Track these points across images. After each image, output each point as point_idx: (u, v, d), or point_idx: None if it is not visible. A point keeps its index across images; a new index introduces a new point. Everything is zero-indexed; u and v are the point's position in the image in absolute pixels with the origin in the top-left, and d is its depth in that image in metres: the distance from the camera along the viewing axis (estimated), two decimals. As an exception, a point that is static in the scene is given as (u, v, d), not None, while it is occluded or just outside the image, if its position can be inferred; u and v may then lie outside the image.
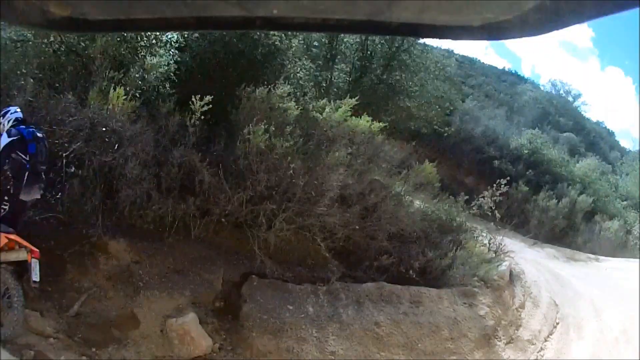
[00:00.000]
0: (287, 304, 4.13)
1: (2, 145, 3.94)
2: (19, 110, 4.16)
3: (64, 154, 4.06)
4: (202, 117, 4.09)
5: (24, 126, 4.09)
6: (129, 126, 4.05)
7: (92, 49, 4.77)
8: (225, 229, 4.15)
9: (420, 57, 8.13)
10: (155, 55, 4.89)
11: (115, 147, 3.99)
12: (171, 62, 4.70)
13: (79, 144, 4.06)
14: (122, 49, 4.82)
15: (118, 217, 3.96)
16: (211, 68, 4.74)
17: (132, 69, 4.62)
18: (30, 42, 5.14)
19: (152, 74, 4.63)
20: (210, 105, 4.07)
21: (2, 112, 4.23)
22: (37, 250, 3.60)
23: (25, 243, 3.62)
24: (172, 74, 5.02)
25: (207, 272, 4.17)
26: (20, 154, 4.01)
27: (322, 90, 6.09)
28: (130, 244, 4.05)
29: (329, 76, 6.76)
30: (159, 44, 4.66)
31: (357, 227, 4.46)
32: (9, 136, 3.96)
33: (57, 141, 4.19)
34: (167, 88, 4.90)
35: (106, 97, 4.30)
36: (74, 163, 4.08)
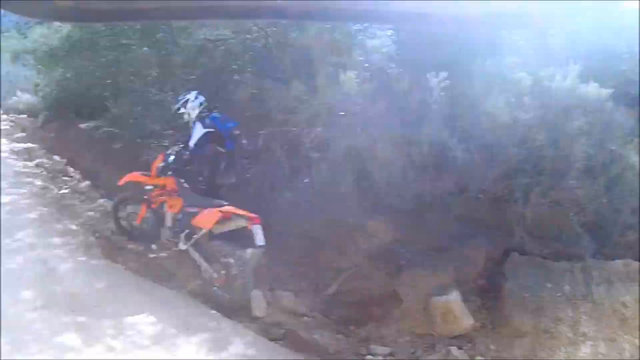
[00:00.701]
0: (546, 282, 4.43)
1: (198, 135, 4.89)
2: (199, 95, 5.11)
3: (306, 141, 4.86)
4: (442, 93, 4.61)
5: (216, 114, 5.05)
6: (369, 108, 4.70)
7: (305, 38, 5.51)
8: (482, 205, 4.53)
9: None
10: (375, 37, 5.53)
11: (359, 130, 4.66)
12: (389, 43, 5.30)
13: (319, 129, 4.82)
14: (335, 35, 5.51)
15: (374, 198, 4.59)
16: (433, 45, 5.24)
17: (353, 53, 5.29)
18: (232, 40, 6.06)
19: (375, 55, 5.30)
20: (448, 81, 4.57)
21: (182, 101, 5.14)
22: (255, 216, 4.48)
23: (242, 212, 4.55)
24: (394, 54, 5.66)
25: (468, 249, 4.61)
26: (219, 147, 4.88)
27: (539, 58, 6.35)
28: (389, 223, 4.65)
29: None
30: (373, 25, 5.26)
31: (604, 199, 4.71)
32: (204, 126, 4.93)
33: (293, 129, 5.03)
34: (393, 67, 5.52)
35: (334, 82, 5.00)
36: (318, 148, 4.87)
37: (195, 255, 4.87)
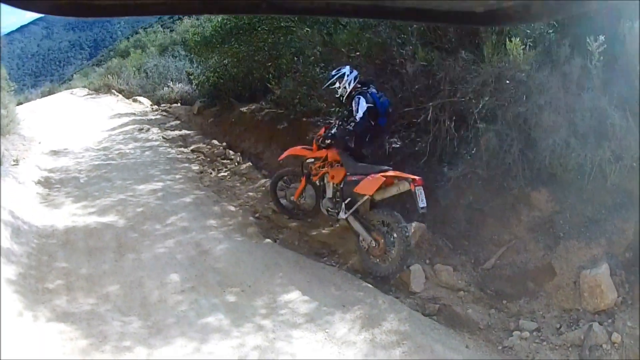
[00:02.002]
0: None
1: (364, 109, 6.00)
2: (353, 69, 6.30)
3: (474, 110, 5.82)
4: (601, 58, 5.19)
5: (374, 90, 6.23)
6: (535, 75, 5.73)
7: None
8: (636, 174, 5.12)
9: None
10: None
11: (525, 98, 5.73)
12: None
13: (487, 99, 5.78)
14: None
15: (538, 168, 5.43)
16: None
17: None
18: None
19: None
20: (605, 46, 5.26)
21: (337, 75, 6.30)
22: (419, 178, 5.46)
23: (404, 175, 5.57)
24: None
25: (621, 220, 5.16)
26: (371, 121, 6.02)
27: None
28: (551, 193, 5.46)
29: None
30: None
31: None
32: (366, 102, 6.01)
33: (462, 99, 5.99)
34: (550, 34, 6.52)
35: (500, 50, 6.11)
36: (486, 118, 5.82)
37: (355, 224, 5.86)
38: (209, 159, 9.93)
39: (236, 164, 9.42)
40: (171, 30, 17.47)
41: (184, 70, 15.64)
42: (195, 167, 9.59)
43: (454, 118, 6.26)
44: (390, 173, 5.67)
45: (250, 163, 9.25)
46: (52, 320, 4.95)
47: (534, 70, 5.67)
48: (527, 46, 5.69)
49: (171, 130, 12.32)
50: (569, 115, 5.47)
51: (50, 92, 24.56)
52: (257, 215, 7.40)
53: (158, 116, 14.28)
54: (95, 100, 17.19)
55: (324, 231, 6.82)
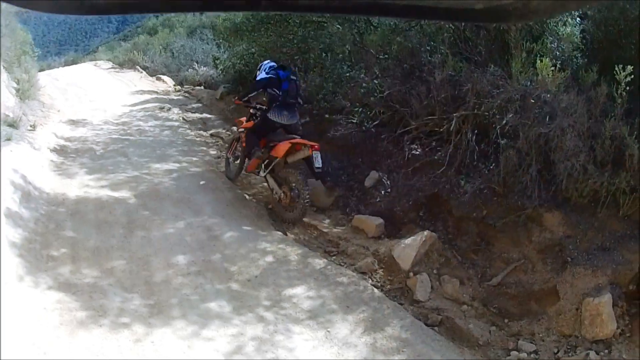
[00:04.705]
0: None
1: (261, 76, 7.41)
2: (272, 62, 7.57)
3: (497, 126, 5.91)
4: (627, 87, 5.27)
5: (282, 70, 7.32)
6: (561, 97, 5.77)
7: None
8: None
9: None
10: (566, 25, 6.64)
11: (548, 119, 5.80)
12: (578, 31, 6.27)
13: (511, 115, 5.82)
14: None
15: (554, 190, 5.52)
16: (615, 36, 6.12)
17: (546, 40, 6.31)
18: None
19: (566, 44, 6.30)
20: (632, 76, 5.25)
21: (260, 67, 7.74)
22: (316, 144, 6.74)
23: (307, 142, 6.85)
24: (580, 44, 6.71)
25: (629, 251, 5.20)
26: (275, 89, 7.20)
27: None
28: (564, 217, 5.52)
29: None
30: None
31: None
32: (265, 74, 7.31)
33: (486, 113, 6.13)
34: (579, 57, 6.60)
35: (529, 68, 6.19)
36: (508, 134, 5.90)
37: (270, 181, 7.23)
38: (227, 145, 9.79)
39: (254, 153, 9.46)
40: (201, 13, 17.60)
41: (210, 54, 15.77)
42: (212, 152, 9.71)
43: (476, 131, 6.37)
44: (296, 140, 6.99)
45: (268, 153, 9.33)
46: (52, 289, 5.02)
47: (560, 92, 5.78)
48: (556, 67, 5.77)
49: (192, 113, 12.41)
50: (589, 141, 5.56)
51: (73, 62, 24.88)
52: (269, 206, 7.52)
53: (180, 97, 14.35)
54: (119, 74, 17.27)
55: (334, 230, 6.92)
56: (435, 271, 5.93)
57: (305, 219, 7.08)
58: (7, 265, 4.95)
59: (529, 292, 5.55)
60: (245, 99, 7.68)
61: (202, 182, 8.11)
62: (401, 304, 5.48)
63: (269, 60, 7.81)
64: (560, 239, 5.61)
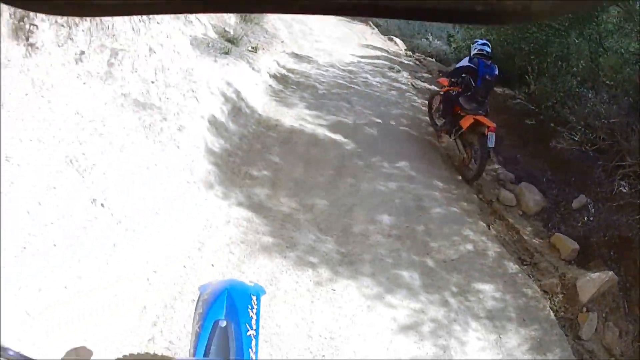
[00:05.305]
0: None
1: (460, 64, 8.13)
2: (485, 43, 8.08)
3: None
4: None
5: (484, 62, 7.87)
6: None
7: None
8: None
9: None
10: None
11: None
12: None
13: None
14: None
15: None
16: None
17: None
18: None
19: None
20: None
21: (473, 43, 8.32)
22: (493, 125, 7.34)
23: (486, 122, 7.43)
24: None
25: None
26: (471, 80, 7.79)
27: None
28: None
29: None
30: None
31: None
32: (469, 61, 7.94)
33: None
34: None
35: None
36: None
37: (458, 142, 8.07)
38: (429, 97, 9.96)
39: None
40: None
41: (445, 29, 15.91)
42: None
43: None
44: (479, 117, 7.58)
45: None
46: (243, 206, 5.09)
47: None
48: None
49: (421, 81, 12.35)
50: None
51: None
52: (480, 196, 7.49)
53: (411, 63, 14.29)
54: (349, 24, 17.29)
55: (533, 240, 6.71)
56: (604, 314, 5.80)
57: (510, 220, 7.01)
58: (197, 168, 4.95)
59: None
60: (448, 85, 8.40)
61: (419, 151, 8.13)
62: (566, 335, 5.38)
63: (484, 40, 8.36)
64: None
